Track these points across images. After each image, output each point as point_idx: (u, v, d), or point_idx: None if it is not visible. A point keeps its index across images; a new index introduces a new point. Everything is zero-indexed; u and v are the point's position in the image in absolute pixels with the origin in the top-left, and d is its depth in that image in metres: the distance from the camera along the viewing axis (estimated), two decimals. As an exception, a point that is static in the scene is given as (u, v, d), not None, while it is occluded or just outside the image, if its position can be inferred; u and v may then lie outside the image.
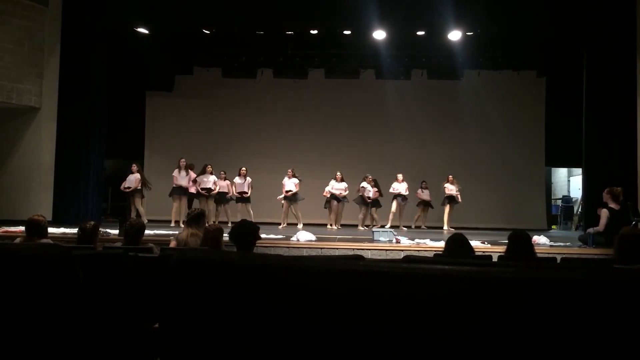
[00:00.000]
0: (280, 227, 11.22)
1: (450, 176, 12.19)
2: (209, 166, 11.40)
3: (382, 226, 11.04)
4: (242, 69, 13.76)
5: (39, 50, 11.03)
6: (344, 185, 11.70)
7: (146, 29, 11.53)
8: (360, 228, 11.61)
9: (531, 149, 13.69)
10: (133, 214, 11.11)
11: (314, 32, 11.62)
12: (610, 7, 10.18)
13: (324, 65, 13.73)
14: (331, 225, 11.63)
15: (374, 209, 11.94)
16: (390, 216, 11.92)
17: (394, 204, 11.96)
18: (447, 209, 12.10)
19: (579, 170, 12.97)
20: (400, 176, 12.07)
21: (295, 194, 11.50)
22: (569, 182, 15.71)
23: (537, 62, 13.23)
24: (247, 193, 11.52)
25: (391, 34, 11.32)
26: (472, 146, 13.71)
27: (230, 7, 10.84)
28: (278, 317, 0.97)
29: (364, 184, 11.75)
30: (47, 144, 11.12)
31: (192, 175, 11.35)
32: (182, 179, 11.21)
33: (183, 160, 11.32)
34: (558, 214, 14.56)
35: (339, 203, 11.67)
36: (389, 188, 12.07)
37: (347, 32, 11.62)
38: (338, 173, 11.77)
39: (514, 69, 13.40)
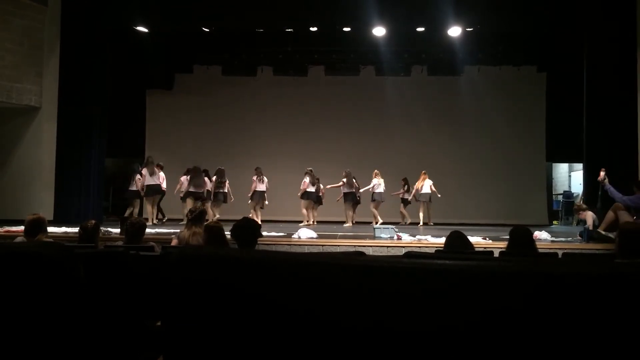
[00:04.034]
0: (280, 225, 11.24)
1: (423, 172, 12.02)
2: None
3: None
4: (242, 67, 13.78)
5: (39, 50, 11.02)
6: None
7: (145, 28, 11.53)
8: (347, 225, 11.61)
9: (532, 144, 13.68)
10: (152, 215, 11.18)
11: (314, 29, 11.61)
12: (610, 2, 10.16)
13: (324, 62, 13.74)
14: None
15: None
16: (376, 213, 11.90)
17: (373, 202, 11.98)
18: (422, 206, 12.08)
19: (579, 166, 12.96)
20: (376, 172, 11.97)
21: (262, 193, 11.51)
22: (570, 178, 15.71)
23: (538, 58, 13.23)
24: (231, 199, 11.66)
25: (391, 31, 11.32)
26: (472, 142, 13.70)
27: (229, 5, 10.83)
28: (279, 313, 0.97)
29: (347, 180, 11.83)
30: (47, 143, 11.12)
31: (162, 174, 11.28)
32: (149, 178, 11.09)
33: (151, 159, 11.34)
34: (559, 210, 14.55)
35: (306, 201, 11.70)
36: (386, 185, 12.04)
37: (346, 29, 11.62)
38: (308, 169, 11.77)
39: (514, 64, 13.40)
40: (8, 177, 11.10)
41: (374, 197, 11.80)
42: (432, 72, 13.66)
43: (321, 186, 11.94)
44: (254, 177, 11.45)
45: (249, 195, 11.46)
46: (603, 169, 7.89)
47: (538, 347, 0.88)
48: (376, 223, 11.07)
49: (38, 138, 11.12)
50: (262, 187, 11.50)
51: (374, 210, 11.86)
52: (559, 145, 13.34)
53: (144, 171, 11.13)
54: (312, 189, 11.64)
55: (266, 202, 11.60)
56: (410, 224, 11.97)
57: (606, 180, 7.69)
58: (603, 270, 0.92)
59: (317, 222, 11.75)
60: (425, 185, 11.93)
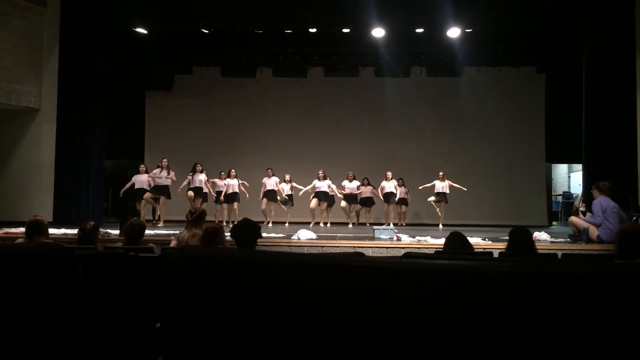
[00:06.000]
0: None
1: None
2: (199, 165, 11.40)
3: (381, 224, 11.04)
4: (242, 68, 13.77)
5: (38, 51, 11.01)
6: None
7: (145, 29, 11.52)
8: (351, 226, 11.72)
9: (531, 145, 13.67)
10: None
11: (313, 30, 11.61)
12: (609, 2, 10.17)
13: (323, 63, 13.74)
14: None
15: (362, 206, 12.09)
16: (389, 215, 11.96)
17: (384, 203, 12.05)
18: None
19: (579, 166, 12.96)
20: (389, 174, 12.04)
21: (274, 192, 11.58)
22: (570, 178, 15.71)
23: (537, 58, 13.23)
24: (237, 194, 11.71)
25: (390, 32, 11.31)
26: (472, 143, 13.69)
27: (229, 6, 10.83)
28: (279, 313, 0.97)
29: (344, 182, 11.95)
30: (47, 144, 11.11)
31: (172, 174, 11.26)
32: (160, 177, 11.08)
33: (165, 160, 11.29)
34: (559, 210, 14.55)
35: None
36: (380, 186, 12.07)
37: (346, 30, 11.61)
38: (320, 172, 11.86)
39: (514, 65, 13.40)
40: (7, 178, 11.09)
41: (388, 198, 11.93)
42: (432, 73, 13.66)
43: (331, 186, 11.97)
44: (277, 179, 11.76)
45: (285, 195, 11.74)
46: (584, 205, 8.10)
47: (538, 347, 0.88)
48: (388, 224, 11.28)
49: (37, 139, 11.11)
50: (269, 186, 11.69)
51: (392, 212, 12.03)
52: (559, 145, 13.34)
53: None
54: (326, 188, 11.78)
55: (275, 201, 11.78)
56: (425, 224, 12.16)
57: (580, 215, 7.84)
58: (602, 271, 0.92)
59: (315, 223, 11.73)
60: (438, 186, 12.00)
